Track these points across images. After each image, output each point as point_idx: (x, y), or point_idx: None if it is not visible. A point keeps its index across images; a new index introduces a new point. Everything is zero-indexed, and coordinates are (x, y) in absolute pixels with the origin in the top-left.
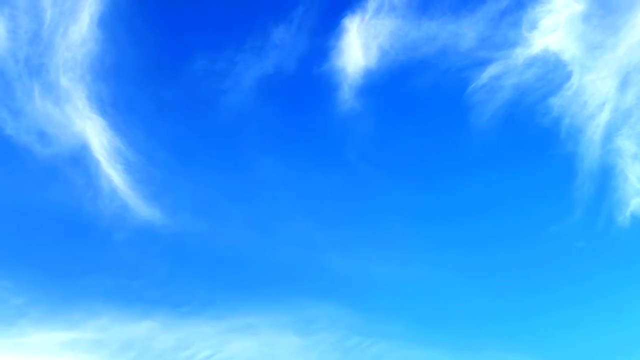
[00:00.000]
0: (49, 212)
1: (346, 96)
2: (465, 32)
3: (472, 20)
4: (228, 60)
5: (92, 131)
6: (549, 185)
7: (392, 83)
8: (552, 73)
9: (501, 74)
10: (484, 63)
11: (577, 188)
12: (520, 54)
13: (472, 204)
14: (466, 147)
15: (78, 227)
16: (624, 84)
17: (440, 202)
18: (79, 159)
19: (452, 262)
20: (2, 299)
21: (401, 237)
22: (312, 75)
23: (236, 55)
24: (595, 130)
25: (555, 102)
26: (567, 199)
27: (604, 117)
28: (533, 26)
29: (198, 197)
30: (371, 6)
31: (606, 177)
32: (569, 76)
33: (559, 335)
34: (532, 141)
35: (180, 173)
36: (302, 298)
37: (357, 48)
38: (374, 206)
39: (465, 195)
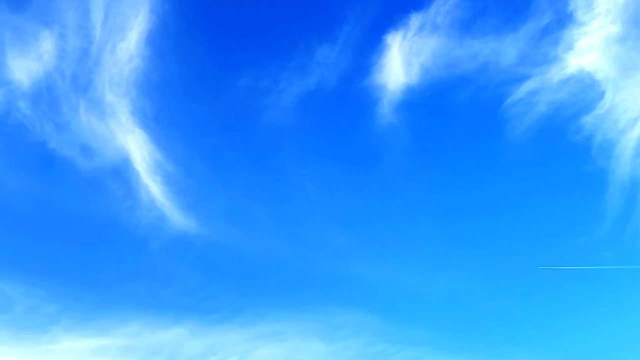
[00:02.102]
0: (88, 222)
1: (385, 111)
2: (507, 49)
3: (514, 38)
4: (272, 77)
5: (134, 144)
6: (579, 198)
7: (431, 98)
8: (586, 92)
9: (537, 90)
10: (521, 79)
11: (606, 201)
12: (556, 73)
13: (503, 216)
14: (500, 161)
15: (115, 236)
16: None
17: (471, 214)
18: (120, 171)
19: (478, 271)
20: (35, 307)
21: (430, 248)
22: (352, 91)
23: (280, 72)
24: (626, 146)
25: (588, 120)
26: (596, 212)
27: (634, 134)
28: (569, 47)
29: (233, 207)
30: (414, 24)
31: (635, 191)
32: (601, 95)
33: (587, 345)
34: (564, 157)
35: (217, 184)
36: (330, 305)
37: (398, 65)
38: (406, 217)
39: (496, 208)
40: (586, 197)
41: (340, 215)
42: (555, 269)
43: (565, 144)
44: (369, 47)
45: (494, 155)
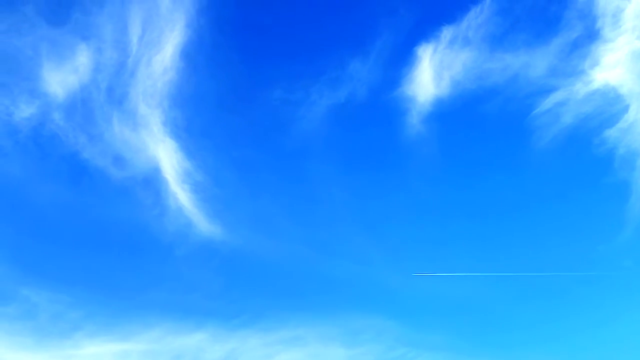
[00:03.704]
0: (116, 230)
1: (413, 122)
2: (537, 62)
3: (544, 51)
4: (304, 90)
5: (164, 153)
6: (600, 208)
7: (460, 110)
8: (610, 106)
9: (564, 102)
10: (549, 90)
11: (627, 211)
12: (582, 87)
13: (526, 224)
14: (526, 170)
15: (142, 243)
16: None
17: (495, 221)
18: (150, 180)
19: (499, 278)
20: (60, 313)
21: (452, 255)
22: (381, 102)
23: (312, 85)
24: None
25: (612, 133)
26: (616, 221)
27: None
28: (596, 62)
29: (259, 215)
30: (445, 37)
31: None
32: (626, 109)
33: (604, 352)
34: (588, 168)
35: (244, 193)
36: (350, 311)
37: (429, 77)
38: (430, 225)
39: (519, 216)
40: (608, 206)
41: (365, 224)
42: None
43: (589, 155)
44: (400, 59)
45: (520, 164)
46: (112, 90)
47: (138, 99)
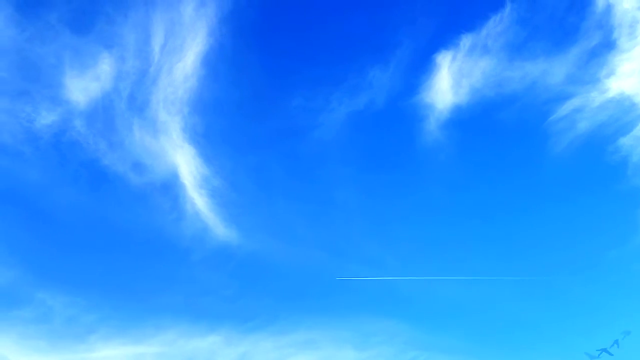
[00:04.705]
0: (134, 234)
1: (431, 128)
2: (555, 70)
3: (563, 59)
4: (324, 97)
5: (182, 159)
6: (612, 214)
7: (477, 116)
8: (625, 114)
9: (580, 108)
10: (567, 97)
11: (639, 217)
12: (598, 96)
13: (539, 229)
14: (542, 176)
15: (159, 247)
16: None
17: (508, 226)
18: (168, 185)
19: (511, 281)
20: (75, 316)
21: (465, 260)
22: (400, 109)
23: (332, 93)
24: None
25: (625, 141)
26: (628, 227)
27: None
28: (612, 71)
29: (275, 220)
30: (464, 45)
31: None
32: None
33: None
34: (601, 175)
35: (261, 198)
36: (363, 314)
37: (447, 85)
38: (445, 230)
39: (533, 221)
40: (620, 212)
41: (379, 230)
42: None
43: (603, 162)
44: (420, 67)
45: (536, 169)
46: (133, 97)
47: (159, 106)
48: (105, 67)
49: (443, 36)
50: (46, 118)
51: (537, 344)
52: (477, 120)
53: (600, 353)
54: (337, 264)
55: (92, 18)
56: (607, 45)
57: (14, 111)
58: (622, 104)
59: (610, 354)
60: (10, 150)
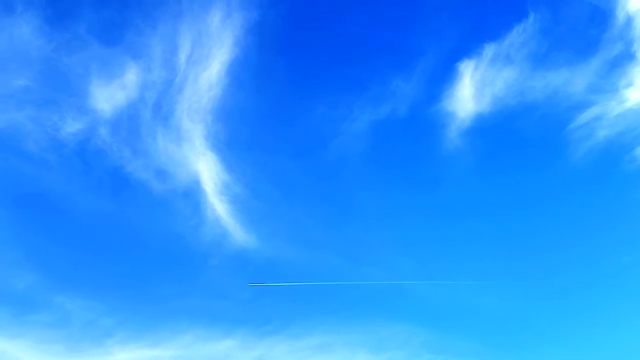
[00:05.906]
0: (154, 240)
1: (452, 136)
2: (576, 79)
3: (584, 69)
4: (346, 106)
5: (204, 165)
6: (628, 220)
7: (499, 125)
8: None
9: (599, 117)
10: (586, 106)
11: None
12: (616, 106)
13: (556, 235)
14: (561, 183)
15: (179, 252)
16: None
17: (525, 232)
18: (190, 192)
19: (525, 286)
20: (92, 320)
21: (482, 264)
22: (421, 118)
23: (355, 102)
24: None
25: None
26: None
27: None
28: (630, 82)
29: (294, 226)
30: (487, 55)
31: None
32: None
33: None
34: (617, 184)
35: (280, 204)
36: (378, 318)
37: (469, 93)
38: (462, 236)
39: (550, 228)
40: (635, 221)
41: (397, 236)
42: None
43: (620, 171)
44: (442, 76)
45: (555, 176)
46: (158, 106)
47: (183, 114)
48: (131, 77)
49: (466, 45)
50: (72, 126)
51: (555, 349)
52: (498, 128)
53: None
54: (351, 269)
55: (121, 29)
56: (627, 57)
57: (40, 119)
58: (639, 115)
59: None
60: (36, 157)
